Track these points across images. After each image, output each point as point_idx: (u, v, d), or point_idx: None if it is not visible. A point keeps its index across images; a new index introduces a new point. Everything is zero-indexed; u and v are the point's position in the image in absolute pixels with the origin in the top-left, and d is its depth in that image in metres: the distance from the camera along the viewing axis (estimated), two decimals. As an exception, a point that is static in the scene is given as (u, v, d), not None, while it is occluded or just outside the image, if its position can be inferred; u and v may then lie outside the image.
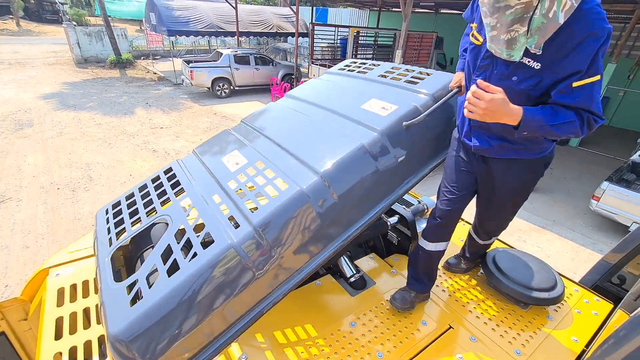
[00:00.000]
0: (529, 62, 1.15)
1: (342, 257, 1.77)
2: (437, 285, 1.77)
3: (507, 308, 1.64)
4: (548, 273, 1.66)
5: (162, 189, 1.53)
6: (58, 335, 1.33)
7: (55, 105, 10.01)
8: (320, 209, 1.18)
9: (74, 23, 16.19)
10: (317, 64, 11.80)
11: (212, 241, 1.10)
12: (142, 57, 17.76)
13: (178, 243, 1.16)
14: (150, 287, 1.04)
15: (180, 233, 1.22)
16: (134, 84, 13.31)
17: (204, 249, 1.08)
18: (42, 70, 14.34)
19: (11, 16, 26.83)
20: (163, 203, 1.45)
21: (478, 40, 1.29)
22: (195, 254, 1.08)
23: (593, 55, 1.05)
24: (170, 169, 1.64)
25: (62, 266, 1.67)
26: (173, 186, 1.53)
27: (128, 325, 0.97)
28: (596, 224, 6.00)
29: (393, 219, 1.95)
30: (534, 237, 5.54)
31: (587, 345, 1.46)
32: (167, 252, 1.14)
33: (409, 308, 1.57)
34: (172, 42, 15.95)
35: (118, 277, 1.19)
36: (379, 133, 1.35)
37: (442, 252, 1.61)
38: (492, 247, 2.11)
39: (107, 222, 1.49)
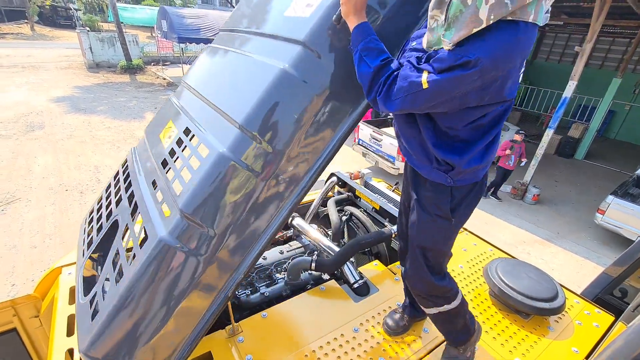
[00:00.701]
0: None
1: (346, 264, 1.80)
2: (439, 294, 1.79)
3: (508, 317, 1.66)
4: (549, 284, 1.68)
5: (118, 186, 1.44)
6: (70, 332, 1.37)
7: (66, 109, 10.21)
8: (250, 166, 0.97)
9: (87, 29, 16.56)
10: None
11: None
12: (152, 63, 18.09)
13: (124, 246, 1.10)
14: (104, 298, 1.03)
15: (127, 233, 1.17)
16: (143, 89, 13.55)
17: (140, 248, 1.01)
18: (54, 73, 14.65)
19: (26, 21, 27.52)
20: (117, 203, 1.36)
21: None
22: (134, 255, 1.01)
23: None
24: (125, 161, 1.52)
25: (74, 265, 1.72)
26: (125, 180, 1.40)
27: (90, 341, 0.98)
28: (601, 238, 5.97)
29: (397, 227, 1.98)
30: (538, 249, 5.51)
31: (588, 357, 1.47)
32: (116, 257, 1.10)
33: (402, 332, 1.51)
34: (182, 48, 16.27)
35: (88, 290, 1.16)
36: (302, 45, 1.00)
37: None
38: (493, 257, 2.13)
39: (84, 231, 1.44)
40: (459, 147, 1.04)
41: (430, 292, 1.29)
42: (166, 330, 1.01)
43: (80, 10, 29.73)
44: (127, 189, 1.33)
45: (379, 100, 0.99)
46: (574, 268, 5.12)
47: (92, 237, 1.34)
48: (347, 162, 8.11)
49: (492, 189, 7.06)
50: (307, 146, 1.04)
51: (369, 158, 7.23)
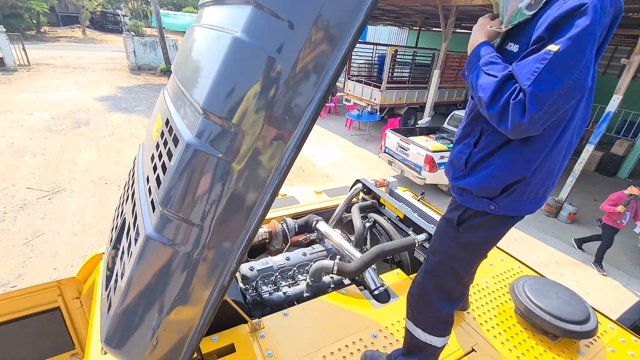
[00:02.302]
0: (509, 46, 1.03)
1: (367, 270, 1.82)
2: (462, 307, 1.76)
3: (534, 337, 1.60)
4: (581, 305, 1.61)
5: (126, 180, 1.50)
6: None
7: (109, 107, 10.90)
8: (219, 152, 0.91)
9: (132, 33, 17.67)
10: (353, 80, 12.00)
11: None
12: (188, 67, 18.91)
13: (127, 242, 1.14)
14: (114, 293, 1.09)
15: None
16: (179, 91, 14.20)
17: (135, 245, 1.04)
18: (100, 74, 15.71)
19: (79, 25, 29.76)
20: (126, 200, 1.40)
21: None
22: (131, 253, 1.04)
23: (554, 21, 0.86)
24: (135, 158, 1.56)
25: (113, 253, 1.85)
26: (132, 177, 1.44)
27: (107, 334, 1.06)
28: (644, 264, 5.55)
29: (421, 237, 1.98)
30: (572, 271, 5.22)
31: (621, 386, 1.40)
32: (123, 255, 1.14)
33: None
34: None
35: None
36: (252, 5, 0.86)
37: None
38: (521, 274, 2.06)
39: (110, 227, 1.50)
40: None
41: (417, 305, 1.31)
42: (169, 324, 1.05)
43: (126, 16, 31.77)
44: (132, 186, 1.36)
45: (512, 105, 0.88)
46: (612, 294, 4.79)
47: (112, 233, 1.41)
48: (372, 169, 8.08)
49: (596, 255, 5.40)
50: (280, 122, 0.93)
51: (394, 166, 7.17)
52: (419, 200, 2.69)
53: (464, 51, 12.49)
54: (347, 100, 12.29)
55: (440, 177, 6.49)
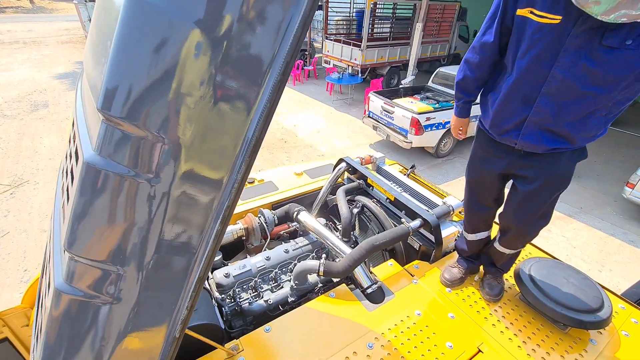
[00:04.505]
0: None
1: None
2: (463, 300, 1.60)
3: (543, 329, 1.47)
4: (593, 290, 1.47)
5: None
6: None
7: (69, 85, 10.00)
8: (133, 171, 0.63)
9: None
10: (331, 39, 11.29)
11: None
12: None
13: (43, 291, 0.93)
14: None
15: None
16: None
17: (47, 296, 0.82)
18: (55, 49, 14.31)
19: (24, -7, 26.73)
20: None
21: (553, 18, 1.10)
22: (44, 307, 0.83)
23: None
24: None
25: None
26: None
27: None
28: (628, 212, 5.64)
29: (415, 223, 1.77)
30: (560, 225, 5.25)
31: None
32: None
33: (459, 283, 1.69)
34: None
35: None
36: None
37: (486, 239, 1.73)
38: (522, 255, 1.91)
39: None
40: None
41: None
42: None
43: (77, -21, 28.55)
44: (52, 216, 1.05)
45: None
46: (598, 245, 4.87)
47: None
48: (357, 136, 7.79)
49: None
50: (220, 119, 0.63)
51: (380, 131, 6.89)
52: (408, 176, 2.46)
53: (447, 0, 11.80)
54: (326, 62, 11.63)
55: (427, 140, 6.28)
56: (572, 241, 4.93)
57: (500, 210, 1.58)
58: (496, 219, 1.65)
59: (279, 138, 7.42)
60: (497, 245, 1.62)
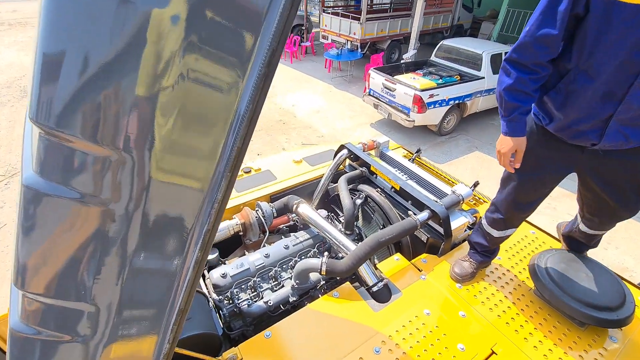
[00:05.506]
0: None
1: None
2: (475, 296, 1.52)
3: (560, 326, 1.39)
4: (614, 284, 1.37)
5: None
6: None
7: (59, 69, 9.67)
8: (78, 191, 0.52)
9: (69, -25, 15.15)
10: (328, 13, 10.78)
11: None
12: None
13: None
14: None
15: None
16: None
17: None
18: (42, 30, 13.79)
19: (6, -30, 25.51)
20: None
21: None
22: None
23: None
24: None
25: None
26: None
27: None
28: (635, 188, 5.53)
29: (422, 216, 1.66)
30: (566, 203, 5.15)
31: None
32: None
33: (469, 278, 1.60)
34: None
35: None
36: None
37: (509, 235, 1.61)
38: (536, 243, 1.81)
39: None
40: None
41: None
42: None
43: (60, -47, 27.16)
44: None
45: None
46: (604, 223, 4.79)
47: None
48: (357, 115, 7.56)
49: None
50: (192, 120, 0.50)
51: (381, 110, 6.67)
52: (413, 161, 2.33)
53: (450, -33, 11.16)
54: (324, 37, 11.17)
55: (430, 118, 6.08)
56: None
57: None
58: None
59: (277, 119, 7.22)
60: (589, 230, 1.51)
